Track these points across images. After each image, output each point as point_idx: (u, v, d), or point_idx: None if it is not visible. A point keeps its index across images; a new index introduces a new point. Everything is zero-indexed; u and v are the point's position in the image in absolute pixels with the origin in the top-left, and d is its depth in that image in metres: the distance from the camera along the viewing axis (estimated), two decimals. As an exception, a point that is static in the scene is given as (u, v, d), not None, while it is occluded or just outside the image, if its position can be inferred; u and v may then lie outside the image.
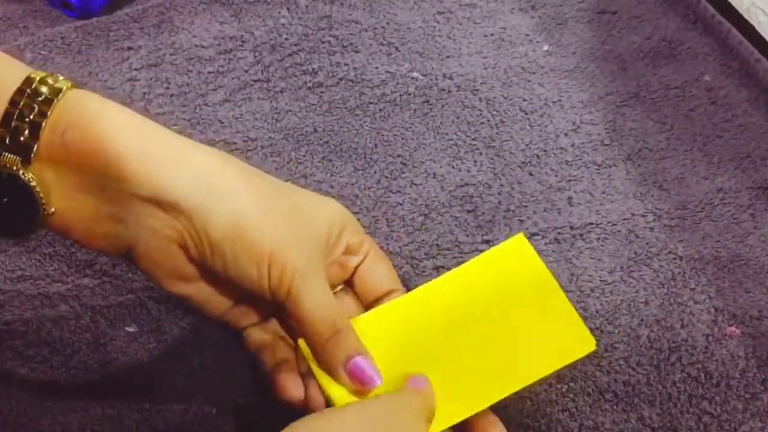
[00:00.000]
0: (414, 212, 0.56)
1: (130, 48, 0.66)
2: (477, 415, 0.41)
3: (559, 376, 0.48)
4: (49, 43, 0.66)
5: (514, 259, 0.46)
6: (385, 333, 0.43)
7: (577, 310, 0.51)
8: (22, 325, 0.49)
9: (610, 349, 0.49)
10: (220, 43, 0.66)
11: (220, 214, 0.40)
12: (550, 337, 0.43)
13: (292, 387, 0.43)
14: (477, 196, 0.57)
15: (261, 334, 0.46)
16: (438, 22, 0.69)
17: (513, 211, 0.56)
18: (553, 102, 0.63)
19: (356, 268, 0.47)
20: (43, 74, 0.38)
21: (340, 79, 0.64)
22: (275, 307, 0.46)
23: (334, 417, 0.36)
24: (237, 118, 0.61)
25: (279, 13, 0.69)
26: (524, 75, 0.65)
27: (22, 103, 0.37)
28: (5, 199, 0.38)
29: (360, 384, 0.41)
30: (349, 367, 0.41)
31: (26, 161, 0.37)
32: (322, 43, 0.67)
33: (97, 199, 0.39)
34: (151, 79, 0.63)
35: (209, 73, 0.64)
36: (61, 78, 0.39)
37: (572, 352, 0.43)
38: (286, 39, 0.67)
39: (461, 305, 0.44)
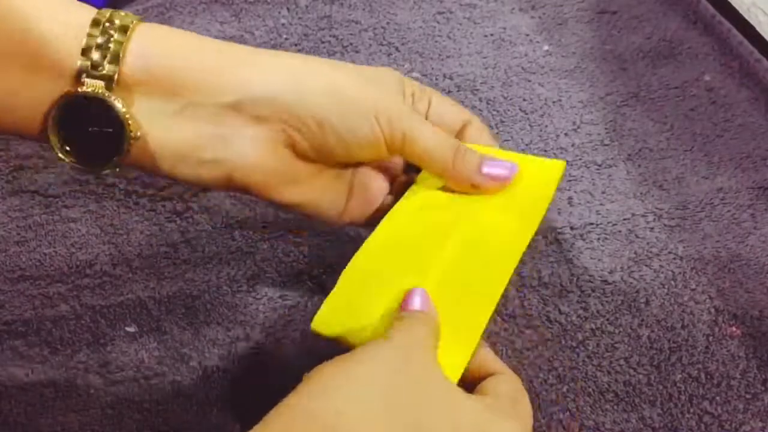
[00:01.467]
0: (414, 212, 0.56)
1: (129, 48, 0.66)
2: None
3: (559, 376, 0.48)
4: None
5: (537, 173, 0.45)
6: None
7: (577, 310, 0.51)
8: (22, 325, 0.49)
9: (611, 349, 0.49)
10: (220, 43, 0.66)
11: (317, 91, 0.41)
12: (525, 189, 0.44)
13: None
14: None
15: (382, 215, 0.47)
16: (438, 22, 0.69)
17: (513, 211, 0.56)
18: (553, 102, 0.63)
19: (426, 114, 0.47)
20: (110, 10, 0.39)
21: (340, 79, 0.64)
22: (386, 179, 0.47)
23: (350, 369, 0.35)
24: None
25: (279, 13, 0.69)
26: (524, 75, 0.65)
27: (100, 31, 0.38)
28: (90, 128, 0.39)
29: (502, 180, 0.43)
30: (485, 171, 0.43)
31: (110, 86, 0.38)
32: (322, 43, 0.67)
33: (190, 120, 0.39)
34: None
35: (209, 73, 0.64)
36: (128, 12, 0.39)
37: (548, 183, 0.44)
38: (286, 39, 0.67)
39: (439, 213, 0.45)
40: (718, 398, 0.47)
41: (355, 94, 0.41)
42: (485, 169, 0.43)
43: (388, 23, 0.68)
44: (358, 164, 0.45)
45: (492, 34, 0.68)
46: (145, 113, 0.39)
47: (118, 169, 0.40)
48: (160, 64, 0.39)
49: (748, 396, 0.47)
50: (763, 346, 0.49)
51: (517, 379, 0.40)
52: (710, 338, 0.50)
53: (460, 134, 0.47)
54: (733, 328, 0.50)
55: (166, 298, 0.51)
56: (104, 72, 0.37)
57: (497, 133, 0.61)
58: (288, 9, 0.69)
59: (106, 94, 0.38)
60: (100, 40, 0.37)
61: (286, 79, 0.40)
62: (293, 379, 0.48)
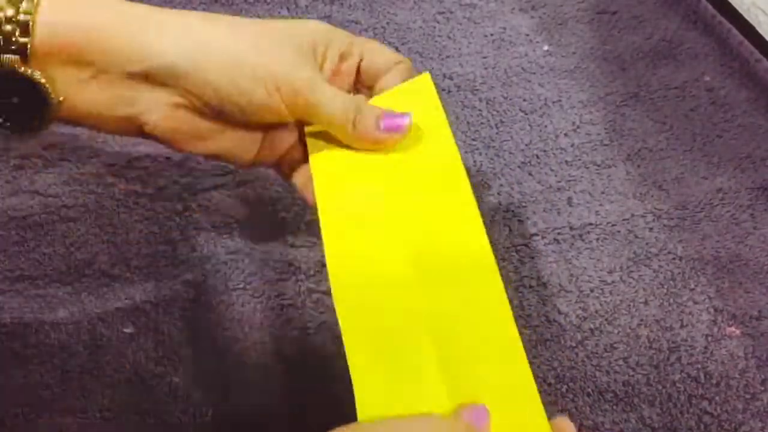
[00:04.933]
0: (413, 212, 0.56)
1: (129, 48, 0.66)
2: None
3: (558, 375, 0.48)
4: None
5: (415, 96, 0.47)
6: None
7: (576, 310, 0.51)
8: (20, 326, 0.49)
9: (610, 350, 0.49)
10: (219, 43, 0.66)
11: (216, 65, 0.42)
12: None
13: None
14: (476, 196, 0.57)
15: (304, 174, 0.48)
16: (438, 22, 0.69)
17: (512, 211, 0.56)
18: (553, 102, 0.63)
19: (358, 67, 0.48)
20: None
21: (340, 79, 0.64)
22: (296, 127, 0.48)
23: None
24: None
25: (279, 13, 0.69)
26: (524, 75, 0.65)
27: (7, 4, 0.38)
28: (14, 99, 0.40)
29: (397, 129, 0.44)
30: (383, 125, 0.44)
31: (24, 59, 0.39)
32: (322, 43, 0.67)
33: (100, 86, 0.41)
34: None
35: (209, 73, 0.64)
36: None
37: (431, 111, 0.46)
38: (286, 39, 0.67)
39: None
40: (717, 398, 0.47)
41: (252, 62, 0.42)
42: (382, 124, 0.44)
43: (388, 23, 0.68)
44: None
45: (492, 34, 0.68)
46: (62, 80, 0.40)
47: (47, 128, 0.42)
48: (69, 34, 0.40)
49: (747, 396, 0.47)
50: (762, 346, 0.49)
51: None
52: (709, 338, 0.50)
53: (391, 70, 0.48)
54: (732, 328, 0.50)
55: (164, 299, 0.51)
56: (17, 46, 0.39)
57: (497, 133, 0.60)
58: (288, 9, 0.69)
59: (23, 68, 0.39)
60: (9, 12, 0.38)
61: (186, 46, 0.42)
62: (293, 379, 0.48)
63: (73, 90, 0.41)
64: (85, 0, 0.41)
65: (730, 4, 0.69)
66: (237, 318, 0.50)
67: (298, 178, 0.48)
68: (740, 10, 0.68)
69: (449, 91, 0.63)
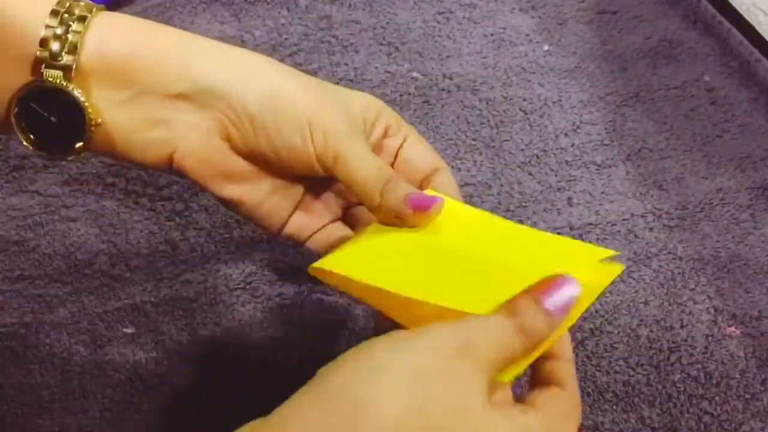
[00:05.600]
0: (413, 212, 0.56)
1: (129, 48, 0.66)
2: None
3: (558, 376, 0.48)
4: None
5: (584, 260, 0.39)
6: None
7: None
8: (20, 326, 0.49)
9: (610, 350, 0.49)
10: (219, 43, 0.66)
11: (256, 89, 0.41)
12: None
13: None
14: (476, 196, 0.57)
15: (326, 236, 0.46)
16: (438, 22, 0.69)
17: (512, 211, 0.56)
18: (553, 102, 0.63)
19: (397, 151, 0.46)
20: (69, 0, 0.40)
21: (340, 79, 0.64)
22: (338, 205, 0.47)
23: (382, 380, 0.32)
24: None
25: (279, 13, 0.69)
26: (524, 75, 0.65)
27: (58, 22, 0.39)
28: (52, 117, 0.40)
29: (425, 209, 0.41)
30: (410, 202, 0.41)
31: (68, 76, 0.39)
32: (322, 43, 0.67)
33: (138, 108, 0.41)
34: (150, 79, 0.63)
35: (209, 73, 0.64)
36: (87, 1, 0.41)
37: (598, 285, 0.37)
38: (286, 39, 0.67)
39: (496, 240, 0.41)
40: (717, 398, 0.47)
41: (295, 104, 0.41)
42: (410, 201, 0.41)
43: (388, 23, 0.68)
44: (309, 180, 0.45)
45: (492, 34, 0.68)
46: (101, 100, 0.40)
47: (82, 155, 0.41)
48: (115, 53, 0.40)
49: (747, 396, 0.47)
50: (762, 346, 0.49)
51: (575, 401, 0.36)
52: (709, 338, 0.50)
53: (426, 181, 0.46)
54: (732, 328, 0.50)
55: (164, 299, 0.51)
56: (63, 62, 0.39)
57: (497, 133, 0.60)
58: (288, 9, 0.69)
59: (65, 85, 0.39)
60: (59, 30, 0.39)
61: (232, 73, 0.41)
62: (292, 378, 0.48)
63: (109, 112, 0.41)
64: (131, 24, 0.41)
65: (730, 4, 0.69)
66: (237, 318, 0.50)
67: (319, 240, 0.46)
68: (740, 10, 0.68)
69: (449, 91, 0.63)
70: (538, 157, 0.59)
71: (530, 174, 0.58)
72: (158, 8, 0.69)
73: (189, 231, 0.55)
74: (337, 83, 0.63)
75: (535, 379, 0.37)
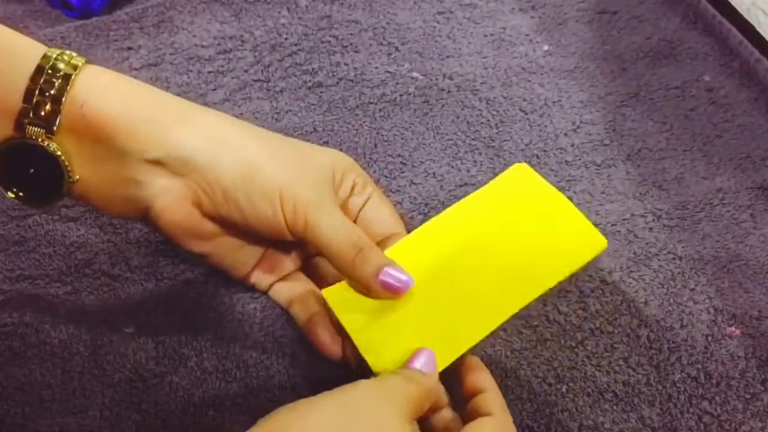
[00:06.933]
0: (413, 211, 0.56)
1: (130, 48, 0.66)
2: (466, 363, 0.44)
3: (558, 376, 0.48)
4: (49, 43, 0.65)
5: (519, 183, 0.50)
6: (405, 265, 0.44)
7: (576, 310, 0.51)
8: (20, 326, 0.49)
9: (610, 350, 0.49)
10: (220, 42, 0.66)
11: (229, 163, 0.42)
12: (562, 243, 0.46)
13: (329, 342, 0.45)
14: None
15: (289, 288, 0.48)
16: (438, 22, 0.69)
17: (512, 211, 0.56)
18: (553, 102, 0.63)
19: (359, 210, 0.48)
20: (58, 51, 0.41)
21: (340, 79, 0.64)
22: (299, 256, 0.49)
23: (312, 410, 0.36)
24: (237, 117, 0.61)
25: (279, 13, 0.69)
26: (524, 75, 0.65)
27: (42, 80, 0.40)
28: (32, 170, 0.41)
29: (395, 291, 0.42)
30: (380, 279, 0.42)
31: (50, 133, 0.40)
32: (322, 43, 0.67)
33: (115, 166, 0.42)
34: (151, 78, 0.63)
35: (209, 72, 0.64)
36: (74, 55, 0.41)
37: (584, 254, 0.46)
38: (286, 39, 0.67)
39: (472, 231, 0.47)
40: (717, 398, 0.47)
41: (266, 178, 0.42)
42: (381, 277, 0.42)
43: (388, 23, 0.68)
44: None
45: (492, 34, 0.68)
46: (80, 157, 0.41)
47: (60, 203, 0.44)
48: (97, 116, 0.41)
49: (747, 396, 0.47)
50: (762, 346, 0.49)
51: (506, 425, 0.40)
52: (709, 338, 0.50)
53: (382, 244, 0.47)
54: (732, 328, 0.50)
55: (164, 299, 0.51)
56: (45, 120, 0.40)
57: (497, 133, 0.61)
58: (288, 9, 0.69)
59: (46, 143, 0.40)
60: (43, 86, 0.40)
61: (207, 145, 0.42)
62: (293, 378, 0.48)
63: (88, 167, 0.42)
64: (115, 86, 0.42)
65: (730, 4, 0.69)
66: (237, 318, 0.50)
67: (282, 292, 0.49)
68: (740, 10, 0.68)
69: (449, 91, 0.63)
70: (538, 157, 0.59)
71: (530, 174, 0.58)
72: (158, 8, 0.69)
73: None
74: (337, 83, 0.63)
75: (465, 419, 0.41)
